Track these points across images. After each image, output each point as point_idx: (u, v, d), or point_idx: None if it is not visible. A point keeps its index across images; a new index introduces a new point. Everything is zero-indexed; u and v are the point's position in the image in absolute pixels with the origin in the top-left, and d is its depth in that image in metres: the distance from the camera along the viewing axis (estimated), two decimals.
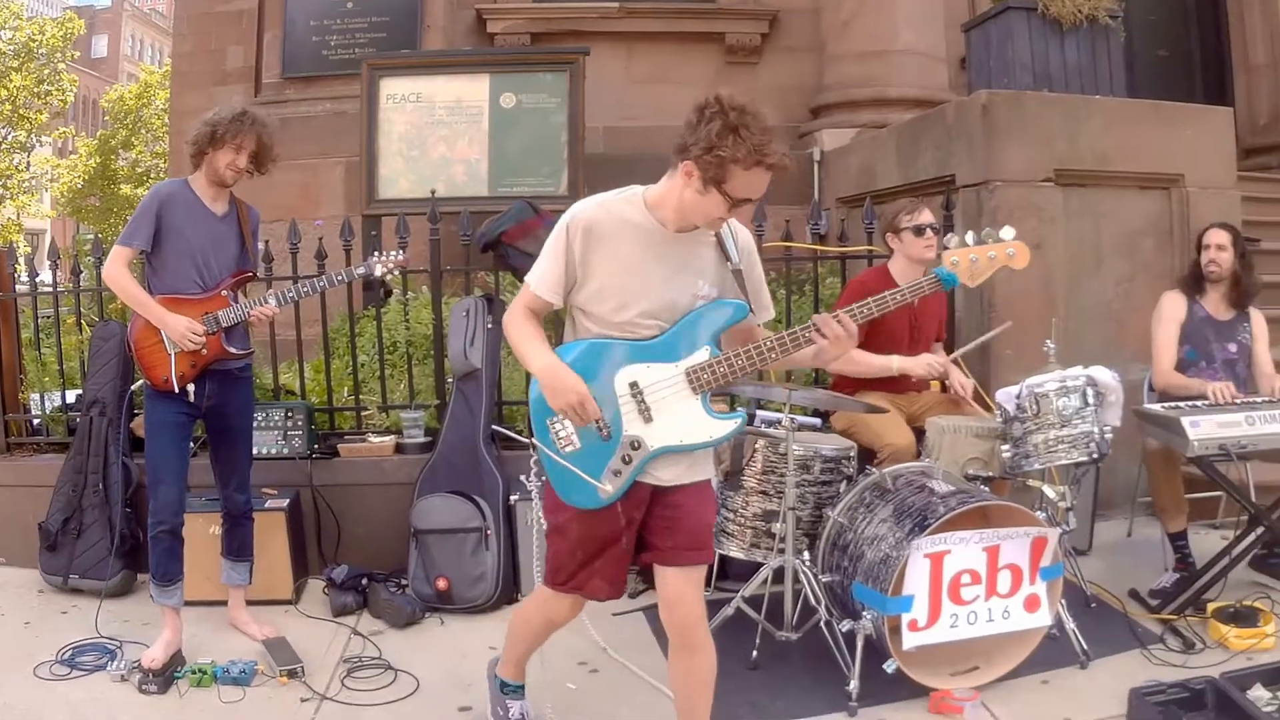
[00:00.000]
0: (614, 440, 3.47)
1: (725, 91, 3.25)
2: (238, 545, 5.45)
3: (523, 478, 5.90)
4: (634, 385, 3.46)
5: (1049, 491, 5.14)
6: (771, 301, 3.78)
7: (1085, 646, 4.91)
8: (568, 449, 3.50)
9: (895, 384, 5.76)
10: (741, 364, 3.45)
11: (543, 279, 3.50)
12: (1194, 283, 6.19)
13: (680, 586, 3.60)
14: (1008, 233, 3.72)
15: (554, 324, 3.73)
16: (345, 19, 10.48)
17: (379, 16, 10.45)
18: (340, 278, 5.46)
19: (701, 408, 3.51)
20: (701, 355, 3.48)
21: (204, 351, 4.99)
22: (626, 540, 3.60)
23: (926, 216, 5.76)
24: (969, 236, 3.74)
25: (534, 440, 3.57)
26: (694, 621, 3.63)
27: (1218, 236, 6.11)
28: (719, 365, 3.45)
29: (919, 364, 5.62)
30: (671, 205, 3.39)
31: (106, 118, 41.58)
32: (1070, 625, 4.93)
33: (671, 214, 3.40)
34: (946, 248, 3.79)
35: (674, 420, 3.48)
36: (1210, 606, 5.26)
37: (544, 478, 3.67)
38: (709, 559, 3.70)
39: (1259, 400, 5.54)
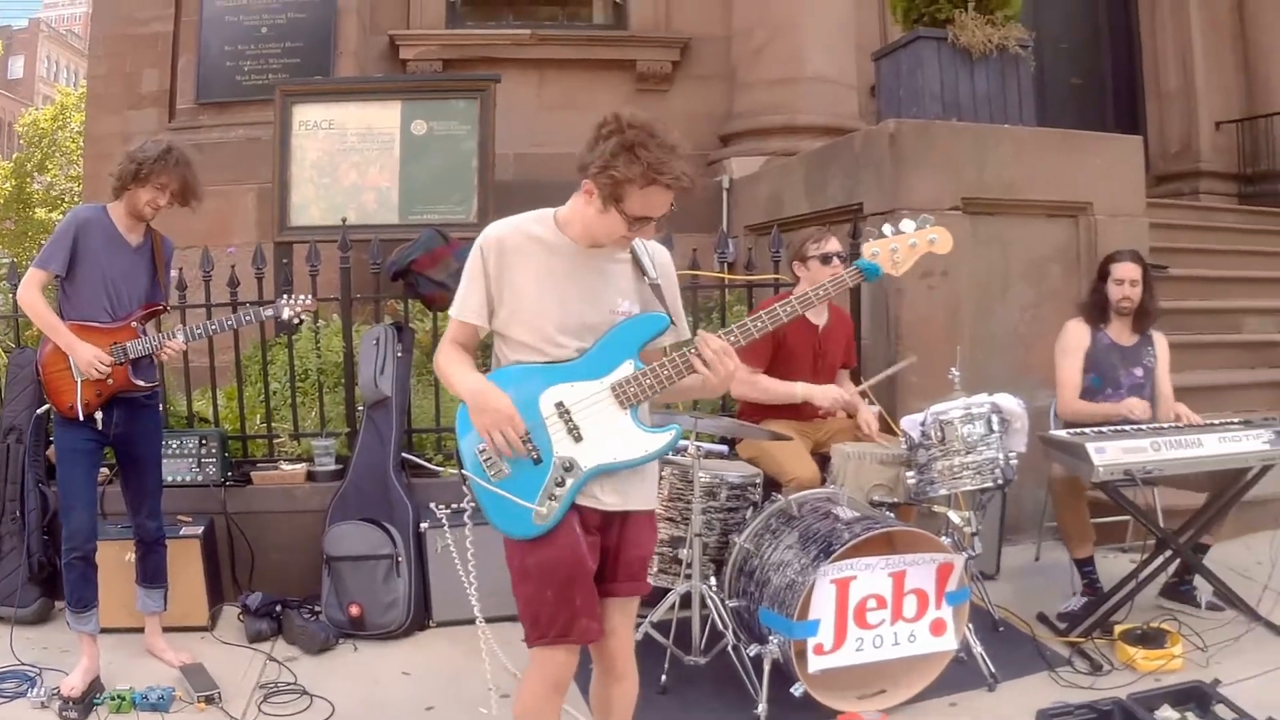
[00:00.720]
0: (545, 464, 3.36)
1: (626, 110, 3.23)
2: (151, 572, 5.44)
3: (433, 505, 5.91)
4: (560, 405, 3.36)
5: (954, 517, 5.20)
6: (686, 324, 3.68)
7: (993, 669, 4.95)
8: (498, 477, 3.37)
9: (800, 411, 5.76)
10: (667, 373, 3.36)
11: (464, 304, 3.44)
12: (1098, 311, 6.18)
13: (615, 619, 3.57)
14: (927, 220, 3.69)
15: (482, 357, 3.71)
16: (259, 44, 10.36)
17: (293, 42, 10.35)
18: (248, 319, 5.52)
19: (632, 422, 3.40)
20: (626, 369, 3.38)
21: (109, 381, 4.98)
22: (593, 565, 3.44)
23: (833, 245, 5.79)
24: (886, 228, 3.70)
25: (464, 471, 3.44)
26: (624, 653, 3.64)
27: (1131, 271, 6.08)
28: (644, 377, 3.36)
29: (825, 395, 5.62)
30: (578, 223, 3.36)
31: (21, 141, 41.04)
32: (977, 649, 4.98)
33: (580, 232, 3.37)
34: (865, 241, 3.75)
35: (605, 437, 3.38)
36: (1118, 629, 5.34)
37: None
38: (645, 591, 3.66)
39: (1165, 426, 5.60)
